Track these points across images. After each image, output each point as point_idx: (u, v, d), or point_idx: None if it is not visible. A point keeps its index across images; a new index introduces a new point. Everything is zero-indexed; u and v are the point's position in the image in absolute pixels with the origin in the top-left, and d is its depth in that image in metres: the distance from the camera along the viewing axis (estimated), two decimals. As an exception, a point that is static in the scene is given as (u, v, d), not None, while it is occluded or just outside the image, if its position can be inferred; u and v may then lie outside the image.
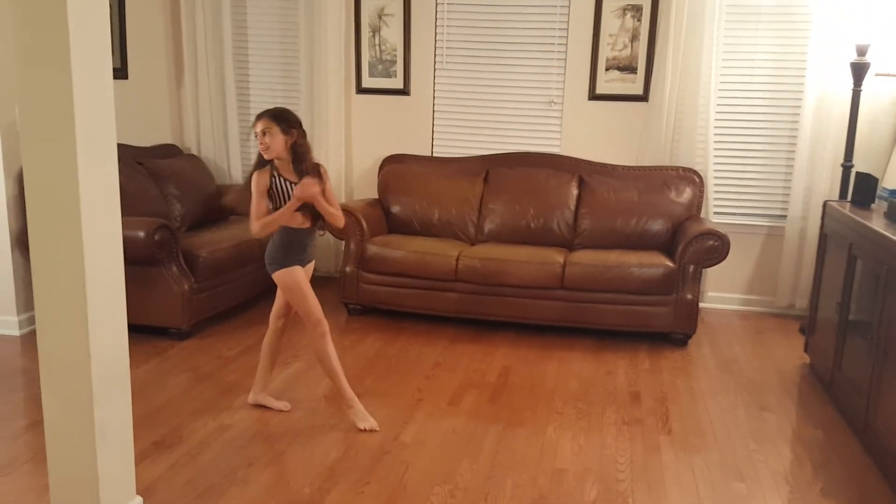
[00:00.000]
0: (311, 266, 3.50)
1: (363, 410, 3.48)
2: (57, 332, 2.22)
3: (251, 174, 3.33)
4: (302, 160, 3.30)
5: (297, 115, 3.35)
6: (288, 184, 3.30)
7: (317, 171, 3.34)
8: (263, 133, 3.23)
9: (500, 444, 3.33)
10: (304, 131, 3.33)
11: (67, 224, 2.14)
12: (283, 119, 3.26)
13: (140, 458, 3.05)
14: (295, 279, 3.36)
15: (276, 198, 3.31)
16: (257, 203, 3.28)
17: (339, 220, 3.42)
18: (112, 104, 2.22)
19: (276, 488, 2.92)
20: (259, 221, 3.27)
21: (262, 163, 3.31)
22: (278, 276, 3.37)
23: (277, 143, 3.24)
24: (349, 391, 3.46)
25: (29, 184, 2.16)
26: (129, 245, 4.15)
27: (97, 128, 2.17)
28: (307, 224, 3.36)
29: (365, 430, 3.41)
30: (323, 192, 3.31)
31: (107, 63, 2.19)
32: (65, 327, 2.21)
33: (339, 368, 3.45)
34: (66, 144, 2.09)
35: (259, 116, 3.27)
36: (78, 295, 2.17)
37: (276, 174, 3.31)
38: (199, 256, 4.54)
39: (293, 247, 3.36)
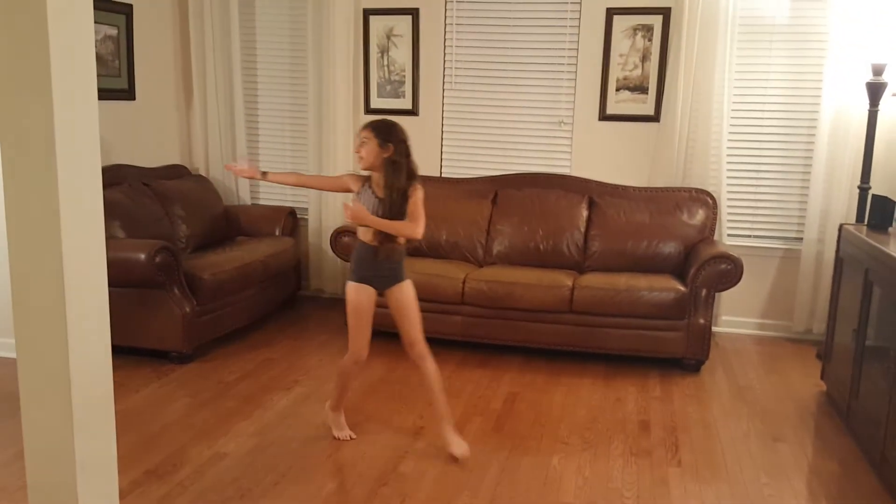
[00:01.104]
0: (396, 291, 3.32)
1: (343, 421, 3.56)
2: (36, 360, 2.16)
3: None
4: (390, 178, 3.16)
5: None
6: (374, 199, 3.21)
7: (403, 192, 3.18)
8: (362, 143, 3.18)
9: (503, 476, 3.23)
10: (404, 148, 3.20)
11: (48, 250, 2.08)
12: (381, 131, 3.18)
13: (130, 488, 2.99)
14: (356, 298, 3.30)
15: None
16: (331, 175, 3.38)
17: (402, 230, 3.21)
18: (96, 128, 2.16)
19: (268, 521, 2.84)
20: (301, 176, 3.53)
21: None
22: (347, 287, 3.34)
23: (370, 154, 3.17)
24: (341, 405, 3.56)
25: (8, 207, 2.10)
26: (129, 267, 4.20)
27: (80, 152, 2.11)
28: (374, 242, 3.25)
29: (338, 439, 3.50)
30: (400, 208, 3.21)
31: (91, 87, 2.14)
32: (45, 356, 2.15)
33: (348, 390, 3.53)
34: (47, 168, 2.04)
35: (364, 126, 3.22)
36: (58, 322, 2.11)
37: (368, 185, 3.24)
38: (202, 279, 4.48)
39: (362, 262, 3.30)
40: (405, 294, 3.34)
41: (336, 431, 3.54)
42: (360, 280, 3.30)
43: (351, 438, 3.51)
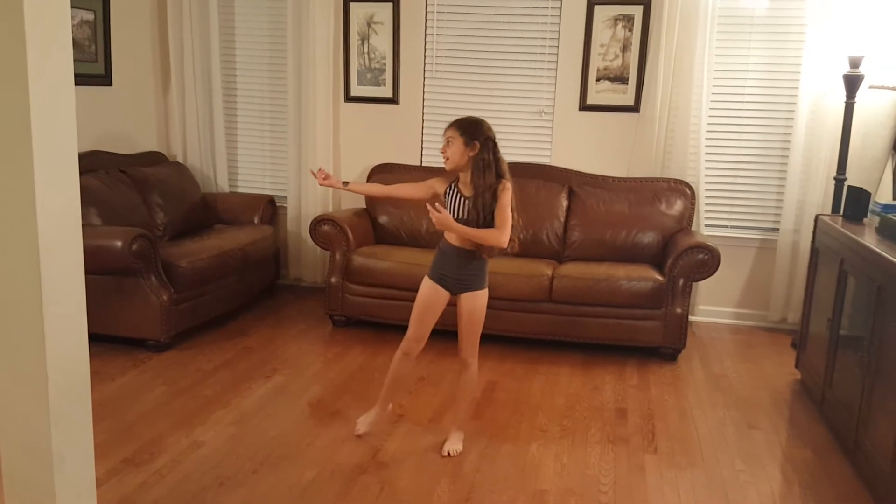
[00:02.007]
0: (466, 298, 3.21)
1: (370, 419, 3.48)
2: (12, 349, 2.14)
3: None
4: (477, 177, 3.03)
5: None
6: (460, 199, 3.09)
7: (493, 192, 3.03)
8: (447, 143, 3.06)
9: (481, 463, 3.25)
10: (491, 145, 3.05)
11: (23, 237, 2.05)
12: (466, 130, 3.04)
13: (108, 475, 2.98)
14: (421, 292, 3.26)
15: (449, 210, 3.10)
16: (416, 182, 3.33)
17: (486, 239, 3.05)
18: (73, 114, 2.13)
19: (247, 509, 2.84)
20: (385, 187, 3.45)
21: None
22: (423, 279, 3.29)
23: (456, 154, 3.03)
24: (383, 402, 3.48)
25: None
26: (106, 255, 4.16)
27: (56, 137, 2.08)
28: (458, 243, 3.14)
29: (357, 436, 3.44)
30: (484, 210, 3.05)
31: (68, 72, 2.11)
32: (21, 344, 2.12)
33: (394, 383, 3.40)
34: (22, 154, 2.01)
35: (448, 125, 3.10)
36: (34, 310, 2.09)
37: (454, 185, 3.13)
38: (180, 266, 4.45)
39: (440, 261, 3.21)
40: (471, 303, 3.22)
41: (360, 426, 3.47)
42: (432, 277, 3.24)
43: (356, 435, 3.45)
